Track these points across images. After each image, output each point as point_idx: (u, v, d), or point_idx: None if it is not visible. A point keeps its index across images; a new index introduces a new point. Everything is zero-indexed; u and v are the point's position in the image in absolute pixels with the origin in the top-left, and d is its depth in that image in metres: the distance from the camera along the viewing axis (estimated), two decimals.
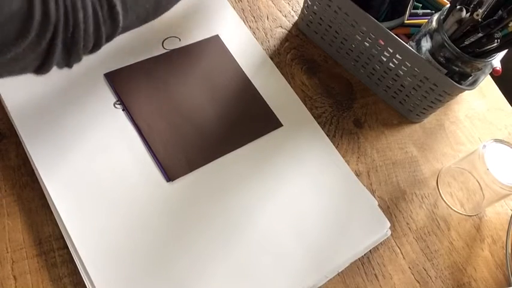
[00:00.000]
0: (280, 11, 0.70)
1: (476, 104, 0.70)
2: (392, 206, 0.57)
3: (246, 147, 0.55)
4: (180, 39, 0.61)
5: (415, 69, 0.58)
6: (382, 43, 0.59)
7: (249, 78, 0.61)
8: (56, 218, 0.46)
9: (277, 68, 0.63)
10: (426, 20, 0.60)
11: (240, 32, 0.65)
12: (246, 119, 0.57)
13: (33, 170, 0.48)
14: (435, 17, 0.57)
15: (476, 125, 0.68)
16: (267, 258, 0.49)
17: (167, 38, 0.61)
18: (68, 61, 0.38)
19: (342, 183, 0.56)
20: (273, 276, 0.48)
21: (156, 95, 0.55)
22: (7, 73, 0.35)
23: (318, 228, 0.52)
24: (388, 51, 0.59)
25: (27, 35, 0.32)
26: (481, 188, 0.57)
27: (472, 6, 0.53)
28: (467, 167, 0.58)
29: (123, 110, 0.54)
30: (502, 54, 0.58)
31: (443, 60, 0.56)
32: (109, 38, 0.40)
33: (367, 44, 0.61)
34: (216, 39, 0.63)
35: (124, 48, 0.58)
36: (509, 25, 0.52)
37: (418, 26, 0.64)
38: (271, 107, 0.59)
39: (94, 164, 0.50)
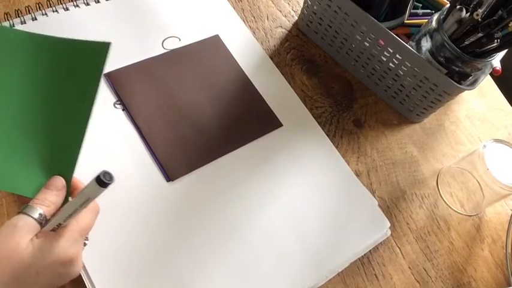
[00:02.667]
0: (280, 11, 0.70)
1: (476, 104, 0.70)
2: (392, 206, 0.57)
3: (246, 147, 0.55)
4: (180, 39, 0.61)
5: (415, 69, 0.58)
6: (382, 43, 0.59)
7: (249, 78, 0.61)
8: None
9: (277, 68, 0.63)
10: (426, 20, 0.60)
11: (240, 32, 0.65)
12: (246, 119, 0.57)
13: None
14: (435, 17, 0.57)
15: (476, 125, 0.68)
16: (267, 258, 0.49)
17: (167, 38, 0.61)
18: None
19: (342, 183, 0.56)
20: (273, 276, 0.48)
21: (156, 95, 0.55)
22: None
23: (318, 228, 0.52)
24: (388, 51, 0.59)
25: None
26: (481, 188, 0.57)
27: (472, 6, 0.53)
28: (467, 167, 0.58)
29: (123, 110, 0.54)
30: (502, 54, 0.58)
31: (443, 60, 0.56)
32: None
33: (367, 44, 0.61)
34: (216, 39, 0.63)
35: (124, 48, 0.58)
36: (509, 25, 0.52)
37: (418, 26, 0.64)
38: (271, 107, 0.59)
39: (94, 164, 0.50)
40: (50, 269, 0.35)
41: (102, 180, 0.32)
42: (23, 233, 0.34)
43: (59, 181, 0.38)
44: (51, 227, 0.36)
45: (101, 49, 0.40)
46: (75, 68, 0.40)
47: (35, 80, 0.40)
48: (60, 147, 0.40)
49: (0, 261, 0.33)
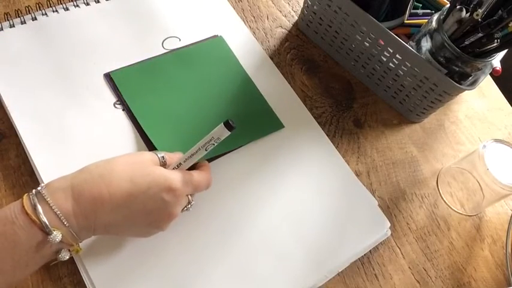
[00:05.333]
0: (280, 11, 0.70)
1: (476, 104, 0.70)
2: (392, 206, 0.57)
3: (246, 147, 0.55)
4: (180, 39, 0.61)
5: (415, 69, 0.58)
6: (382, 43, 0.59)
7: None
8: None
9: (277, 68, 0.63)
10: (426, 20, 0.60)
11: (240, 32, 0.65)
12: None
13: (33, 170, 0.48)
14: (435, 17, 0.57)
15: (476, 125, 0.68)
16: (267, 258, 0.49)
17: (167, 38, 0.61)
18: None
19: (342, 183, 0.56)
20: (273, 276, 0.48)
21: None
22: None
23: (318, 228, 0.52)
24: (388, 51, 0.59)
25: None
26: (481, 188, 0.57)
27: (472, 6, 0.53)
28: (467, 167, 0.58)
29: (123, 110, 0.54)
30: (502, 54, 0.58)
31: (443, 60, 0.56)
32: None
33: (367, 44, 0.61)
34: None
35: (124, 48, 0.58)
36: (509, 25, 0.52)
37: (418, 26, 0.64)
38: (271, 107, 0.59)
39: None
40: (158, 188, 0.40)
41: (230, 124, 0.39)
42: (148, 156, 0.42)
43: (181, 154, 0.46)
44: (171, 167, 0.44)
45: (219, 41, 0.61)
46: (214, 62, 0.59)
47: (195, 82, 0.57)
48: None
49: (126, 161, 0.41)
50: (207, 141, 0.42)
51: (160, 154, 0.44)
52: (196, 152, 0.43)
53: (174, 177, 0.41)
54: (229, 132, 0.40)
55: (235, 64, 0.61)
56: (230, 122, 0.39)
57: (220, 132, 0.40)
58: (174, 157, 0.45)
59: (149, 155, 0.43)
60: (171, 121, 0.54)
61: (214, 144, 0.42)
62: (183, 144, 0.53)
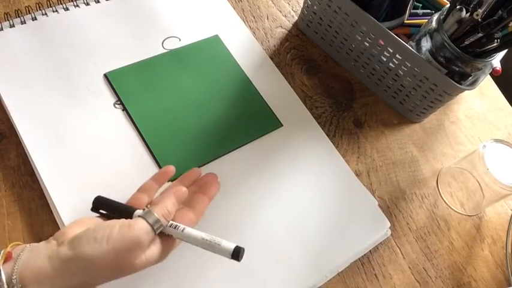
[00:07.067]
0: (280, 11, 0.70)
1: (476, 104, 0.70)
2: (392, 206, 0.57)
3: (246, 147, 0.55)
4: (180, 39, 0.61)
5: (415, 69, 0.58)
6: (382, 43, 0.59)
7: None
8: (56, 218, 0.46)
9: (277, 68, 0.63)
10: (426, 20, 0.60)
11: (240, 32, 0.65)
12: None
13: (33, 170, 0.48)
14: (435, 17, 0.57)
15: (476, 125, 0.68)
16: (267, 258, 0.49)
17: (167, 38, 0.61)
18: None
19: (342, 183, 0.56)
20: (273, 276, 0.48)
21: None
22: None
23: (318, 228, 0.52)
24: (388, 51, 0.59)
25: None
26: (481, 188, 0.57)
27: (472, 6, 0.53)
28: (467, 167, 0.58)
29: (123, 110, 0.54)
30: (502, 54, 0.58)
31: (443, 60, 0.56)
32: None
33: (367, 44, 0.61)
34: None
35: (124, 48, 0.58)
36: (509, 25, 0.52)
37: (418, 26, 0.64)
38: (271, 107, 0.59)
39: (94, 164, 0.50)
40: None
41: (238, 254, 0.36)
42: (137, 243, 0.37)
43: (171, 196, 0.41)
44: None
45: (215, 40, 0.61)
46: (211, 60, 0.60)
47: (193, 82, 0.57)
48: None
49: (108, 265, 0.36)
50: (207, 241, 0.38)
51: (153, 219, 0.38)
52: (191, 237, 0.39)
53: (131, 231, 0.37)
54: (229, 258, 0.37)
55: (232, 62, 0.61)
56: (238, 250, 0.36)
57: (223, 252, 0.37)
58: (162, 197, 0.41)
59: (141, 237, 0.37)
60: (167, 120, 0.54)
61: (207, 249, 0.38)
62: (178, 143, 0.53)
